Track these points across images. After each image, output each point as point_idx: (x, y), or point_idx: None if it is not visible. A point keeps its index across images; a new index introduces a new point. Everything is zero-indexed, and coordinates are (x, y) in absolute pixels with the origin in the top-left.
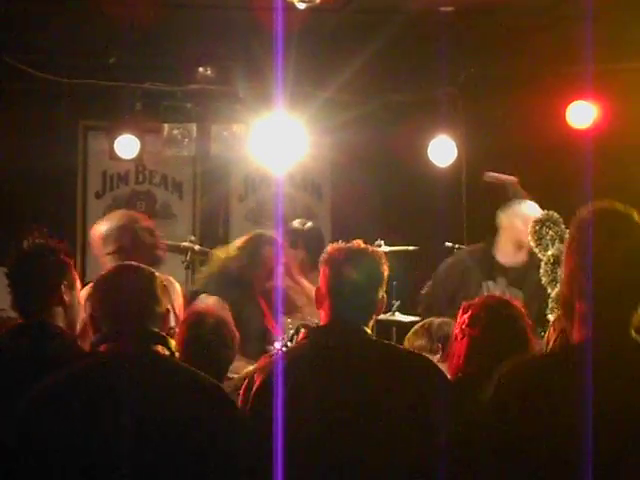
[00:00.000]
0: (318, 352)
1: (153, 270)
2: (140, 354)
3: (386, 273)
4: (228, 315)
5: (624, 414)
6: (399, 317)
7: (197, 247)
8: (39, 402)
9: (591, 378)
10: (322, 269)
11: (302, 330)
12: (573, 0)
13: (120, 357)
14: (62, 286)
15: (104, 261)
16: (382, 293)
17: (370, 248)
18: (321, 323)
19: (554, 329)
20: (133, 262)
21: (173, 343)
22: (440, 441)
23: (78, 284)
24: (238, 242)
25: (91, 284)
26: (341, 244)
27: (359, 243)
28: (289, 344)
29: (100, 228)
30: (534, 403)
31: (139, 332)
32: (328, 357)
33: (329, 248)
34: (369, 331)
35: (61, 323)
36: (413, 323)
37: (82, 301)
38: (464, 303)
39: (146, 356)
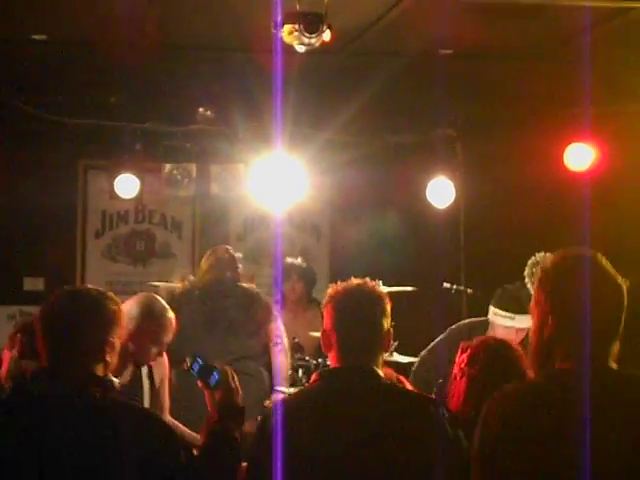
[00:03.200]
0: (331, 396)
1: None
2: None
3: (389, 306)
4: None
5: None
6: (397, 358)
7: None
8: None
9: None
10: (326, 310)
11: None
12: (571, 44)
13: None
14: None
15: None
16: (388, 326)
17: (370, 283)
18: (332, 365)
19: None
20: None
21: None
22: None
23: None
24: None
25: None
26: (341, 283)
27: (357, 281)
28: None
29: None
30: (518, 429)
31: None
32: (340, 402)
33: (330, 289)
34: (380, 372)
35: None
36: (411, 364)
37: None
38: (462, 344)
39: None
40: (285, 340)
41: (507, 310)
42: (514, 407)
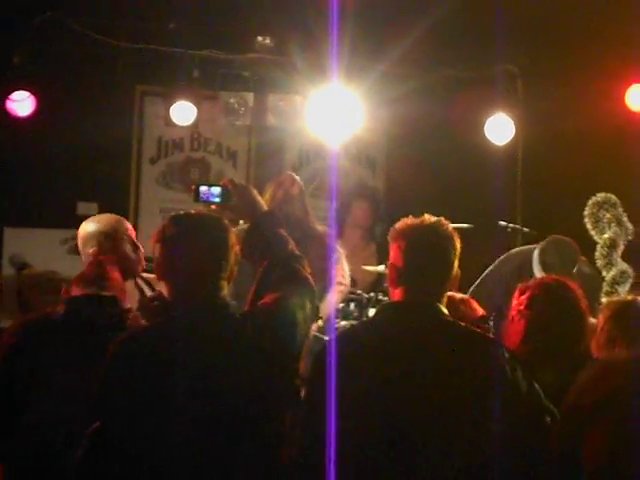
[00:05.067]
0: (389, 330)
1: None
2: None
3: (459, 247)
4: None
5: None
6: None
7: None
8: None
9: None
10: (395, 244)
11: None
12: None
13: None
14: None
15: (84, 259)
16: (457, 268)
17: (443, 222)
18: (395, 299)
19: (603, 315)
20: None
21: None
22: (498, 428)
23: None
24: None
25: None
26: (413, 218)
27: (429, 217)
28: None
29: (87, 227)
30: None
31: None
32: (399, 337)
33: (401, 223)
34: (444, 310)
35: None
36: None
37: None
38: (520, 285)
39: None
40: (347, 281)
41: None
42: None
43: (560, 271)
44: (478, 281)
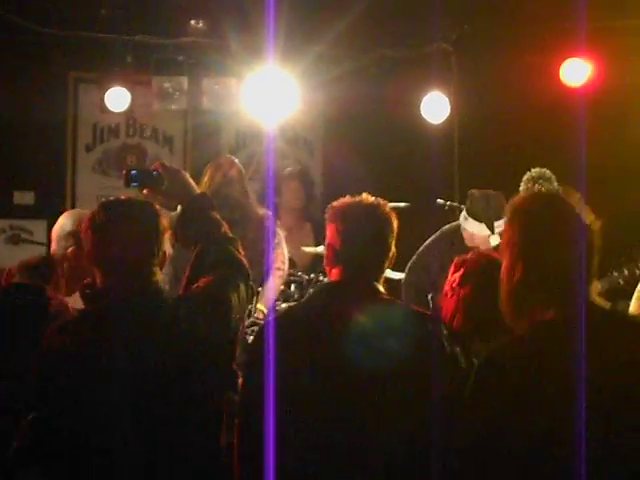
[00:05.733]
0: (327, 310)
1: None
2: None
3: (396, 226)
4: None
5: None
6: (389, 274)
7: None
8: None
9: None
10: (332, 225)
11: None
12: None
13: None
14: None
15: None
16: (393, 247)
17: (380, 201)
18: (332, 278)
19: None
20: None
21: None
22: (440, 405)
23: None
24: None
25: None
26: (349, 198)
27: (367, 197)
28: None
29: (61, 225)
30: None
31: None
32: (336, 316)
33: (336, 203)
34: (381, 288)
35: None
36: (401, 280)
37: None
38: (456, 259)
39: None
40: (286, 267)
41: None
42: (508, 367)
43: (485, 216)
44: (415, 256)
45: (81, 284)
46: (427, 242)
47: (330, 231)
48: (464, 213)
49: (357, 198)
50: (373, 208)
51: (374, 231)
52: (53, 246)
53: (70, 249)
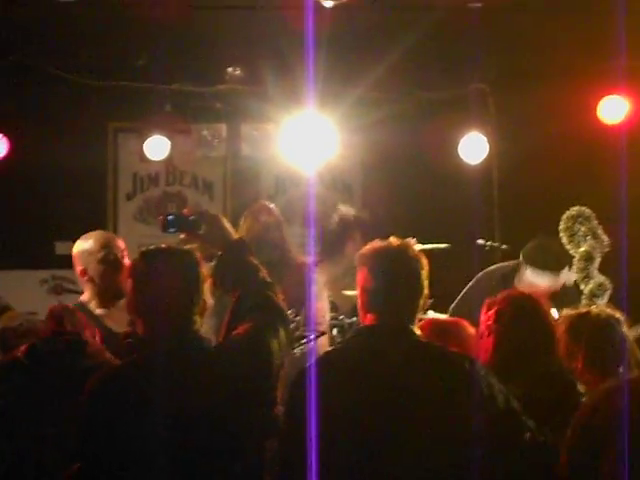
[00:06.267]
0: (364, 355)
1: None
2: None
3: (427, 267)
4: None
5: None
6: (432, 315)
7: None
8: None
9: None
10: (365, 269)
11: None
12: None
13: None
14: None
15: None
16: (426, 290)
17: (409, 245)
18: (366, 323)
19: (559, 329)
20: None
21: None
22: (478, 448)
23: None
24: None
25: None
26: (378, 243)
27: (396, 240)
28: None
29: (78, 246)
30: None
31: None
32: (374, 360)
33: (367, 248)
34: (417, 331)
35: None
36: None
37: None
38: (488, 300)
39: None
40: (327, 318)
41: (540, 267)
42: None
43: (545, 269)
44: (458, 299)
45: (122, 333)
46: (470, 284)
47: (361, 275)
48: (523, 260)
49: (387, 242)
50: (402, 250)
51: (405, 273)
52: (80, 266)
53: (102, 268)
